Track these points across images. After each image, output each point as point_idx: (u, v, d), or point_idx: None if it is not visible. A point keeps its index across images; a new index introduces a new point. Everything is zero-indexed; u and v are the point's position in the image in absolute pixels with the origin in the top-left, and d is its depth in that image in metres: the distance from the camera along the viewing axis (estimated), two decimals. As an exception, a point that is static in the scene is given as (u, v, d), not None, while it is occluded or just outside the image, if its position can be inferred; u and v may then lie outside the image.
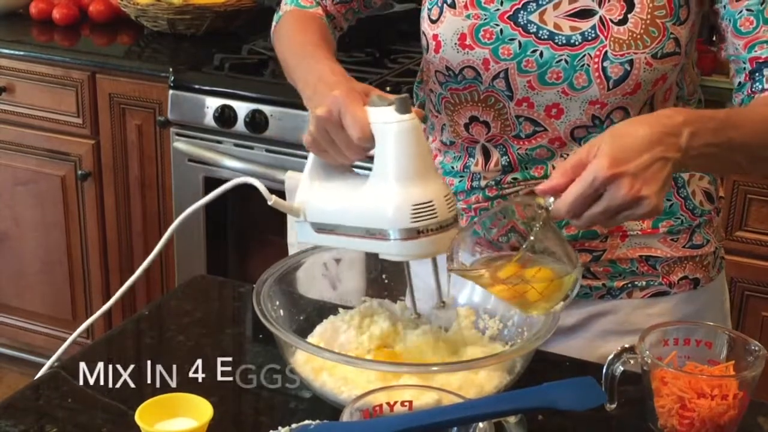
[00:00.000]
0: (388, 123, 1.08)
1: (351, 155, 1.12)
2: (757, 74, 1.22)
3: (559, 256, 1.08)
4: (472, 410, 0.92)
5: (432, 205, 1.08)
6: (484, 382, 1.10)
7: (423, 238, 1.08)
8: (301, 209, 1.16)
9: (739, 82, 1.25)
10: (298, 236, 1.19)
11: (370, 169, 1.11)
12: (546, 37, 1.24)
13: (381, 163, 1.09)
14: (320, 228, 1.15)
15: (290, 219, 1.84)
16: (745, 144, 1.14)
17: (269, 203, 1.15)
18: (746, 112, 1.19)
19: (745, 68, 1.23)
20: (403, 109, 1.08)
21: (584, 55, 1.22)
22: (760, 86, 1.21)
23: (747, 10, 1.22)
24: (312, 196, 1.16)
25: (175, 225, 1.25)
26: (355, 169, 1.18)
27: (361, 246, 1.13)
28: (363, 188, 1.12)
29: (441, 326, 1.24)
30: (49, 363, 1.23)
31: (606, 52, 1.22)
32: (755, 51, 1.22)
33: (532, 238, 1.05)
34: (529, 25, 1.25)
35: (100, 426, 1.12)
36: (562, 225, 1.22)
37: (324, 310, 1.25)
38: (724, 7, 1.23)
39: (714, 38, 1.31)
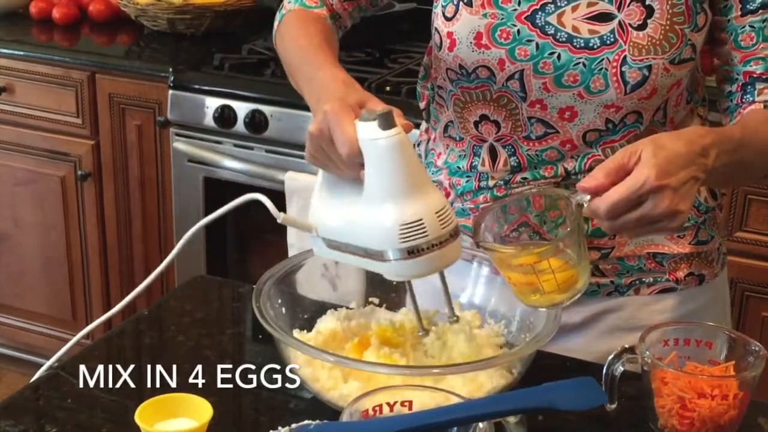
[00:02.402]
0: (371, 140, 1.03)
1: (348, 171, 1.09)
2: (749, 87, 1.28)
3: (578, 254, 1.09)
4: (472, 410, 0.92)
5: (422, 224, 1.03)
6: (484, 384, 1.10)
7: (418, 258, 1.04)
8: (313, 225, 1.13)
9: (729, 91, 1.30)
10: (315, 251, 1.16)
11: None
12: (564, 39, 1.24)
13: (369, 181, 1.05)
14: (330, 244, 1.12)
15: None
16: (751, 163, 1.21)
17: (278, 221, 1.10)
18: (753, 132, 1.22)
19: (738, 79, 1.28)
20: (386, 124, 1.03)
21: (603, 59, 1.23)
22: (751, 98, 1.27)
23: (750, 26, 1.26)
24: (322, 210, 1.13)
25: (180, 245, 1.20)
26: None
27: (365, 265, 1.10)
28: (359, 206, 1.07)
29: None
30: (47, 365, 1.23)
31: (625, 56, 1.22)
32: (751, 66, 1.27)
33: (568, 229, 1.07)
34: (546, 26, 1.24)
35: (100, 426, 1.12)
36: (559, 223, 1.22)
37: (325, 310, 1.25)
38: (729, 21, 1.27)
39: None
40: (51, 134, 2.77)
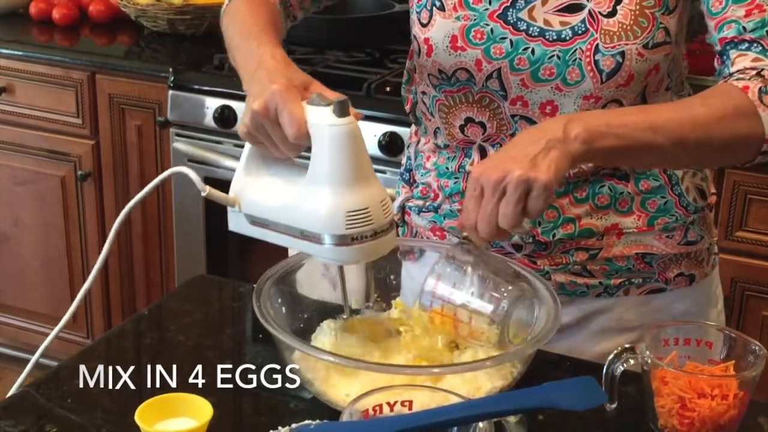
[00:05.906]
0: (325, 125, 1.05)
1: (287, 151, 1.11)
2: (723, 57, 1.21)
3: (502, 277, 1.15)
4: (472, 410, 0.92)
5: (368, 212, 1.07)
6: (484, 384, 1.10)
7: (356, 245, 1.07)
8: (236, 200, 1.15)
9: (715, 67, 1.24)
10: (230, 225, 1.18)
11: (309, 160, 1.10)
12: (537, 33, 1.24)
13: (316, 166, 1.07)
14: (254, 221, 1.15)
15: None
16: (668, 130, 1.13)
17: (203, 194, 1.14)
18: (674, 102, 1.25)
19: (717, 50, 1.22)
20: (342, 112, 1.05)
21: (576, 50, 1.23)
22: (727, 71, 1.20)
23: None
24: (248, 186, 1.15)
25: (121, 218, 1.28)
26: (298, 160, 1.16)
27: (294, 245, 1.12)
28: (299, 188, 1.09)
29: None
30: (33, 359, 1.23)
31: (597, 45, 1.22)
32: (723, 31, 1.20)
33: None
34: (518, 22, 1.25)
35: (100, 426, 1.12)
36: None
37: (325, 310, 1.25)
38: None
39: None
40: (51, 134, 2.77)
